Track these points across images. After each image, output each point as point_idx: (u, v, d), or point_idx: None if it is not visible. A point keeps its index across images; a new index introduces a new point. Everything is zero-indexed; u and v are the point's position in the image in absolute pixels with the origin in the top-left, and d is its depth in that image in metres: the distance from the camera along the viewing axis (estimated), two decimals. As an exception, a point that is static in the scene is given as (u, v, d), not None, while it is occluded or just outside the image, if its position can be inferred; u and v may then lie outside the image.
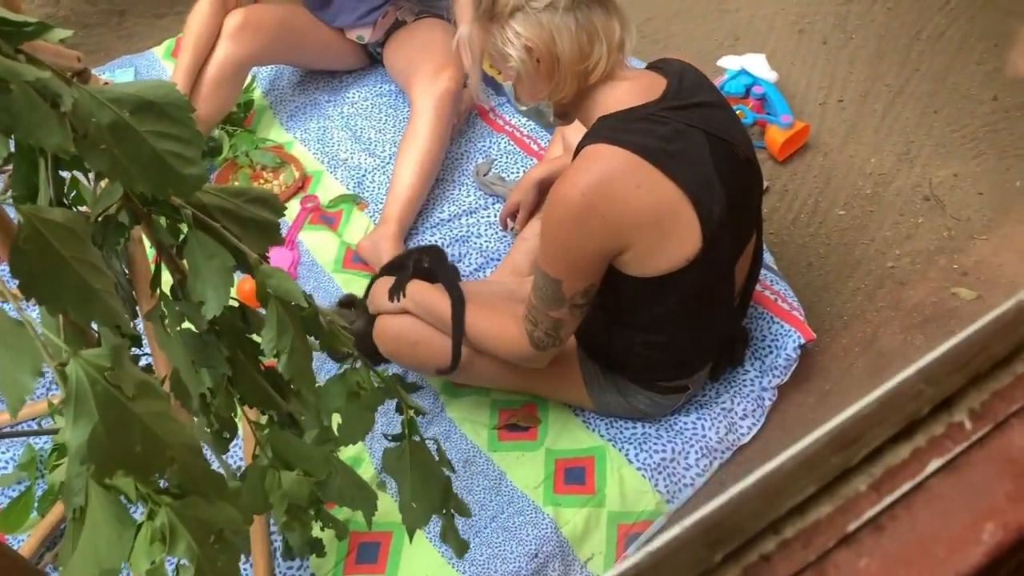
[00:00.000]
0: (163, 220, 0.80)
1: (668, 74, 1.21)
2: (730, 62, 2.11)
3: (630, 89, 1.18)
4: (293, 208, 1.96)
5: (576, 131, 1.69)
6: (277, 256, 1.87)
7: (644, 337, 1.31)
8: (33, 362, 0.50)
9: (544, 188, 1.72)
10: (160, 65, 2.33)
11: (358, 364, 0.87)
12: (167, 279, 0.81)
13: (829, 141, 2.02)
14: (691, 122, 1.16)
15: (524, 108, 1.29)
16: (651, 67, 1.25)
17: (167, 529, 0.52)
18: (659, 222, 1.14)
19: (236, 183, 2.01)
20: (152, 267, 0.87)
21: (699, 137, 1.17)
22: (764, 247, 1.73)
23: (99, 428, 0.46)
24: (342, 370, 0.86)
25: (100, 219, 0.80)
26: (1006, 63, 2.19)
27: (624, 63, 1.21)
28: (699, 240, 1.16)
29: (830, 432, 0.31)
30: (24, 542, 1.38)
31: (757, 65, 2.07)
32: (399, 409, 0.92)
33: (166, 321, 0.80)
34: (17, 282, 0.49)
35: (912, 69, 2.20)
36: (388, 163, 2.00)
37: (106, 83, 1.91)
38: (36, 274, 0.49)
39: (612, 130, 1.15)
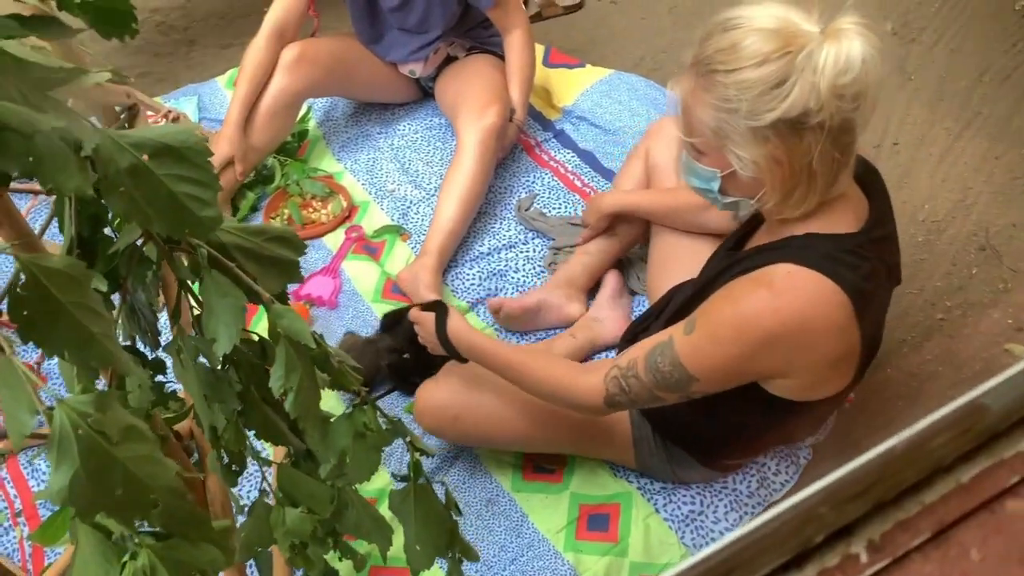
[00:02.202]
0: (184, 257, 0.83)
1: (872, 194, 1.10)
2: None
3: (844, 210, 1.07)
4: (338, 237, 2.00)
5: (665, 151, 1.63)
6: (320, 284, 1.91)
7: (738, 432, 1.26)
8: (29, 403, 0.53)
9: (616, 219, 1.70)
10: (222, 94, 2.42)
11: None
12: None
13: (882, 185, 1.97)
14: (882, 260, 1.08)
15: (722, 202, 1.13)
16: (857, 178, 1.11)
17: (148, 570, 0.53)
18: (833, 366, 1.08)
19: (286, 211, 2.06)
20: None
21: (884, 277, 1.09)
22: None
23: (80, 473, 0.48)
24: (350, 409, 0.87)
25: (128, 253, 0.83)
26: (1075, 109, 2.10)
27: (851, 180, 1.09)
28: (851, 380, 1.12)
29: (707, 560, 0.30)
30: (60, 556, 1.42)
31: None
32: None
33: (182, 355, 0.82)
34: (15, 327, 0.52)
35: (974, 112, 2.13)
36: (433, 195, 2.02)
37: (170, 111, 1.99)
38: (33, 319, 0.51)
39: (827, 258, 1.02)
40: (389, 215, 2.03)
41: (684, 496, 1.41)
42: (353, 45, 2.16)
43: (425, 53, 2.14)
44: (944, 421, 0.30)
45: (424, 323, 1.35)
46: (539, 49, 2.27)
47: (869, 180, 1.11)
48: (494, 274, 1.85)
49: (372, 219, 2.03)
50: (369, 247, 1.96)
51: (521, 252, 1.88)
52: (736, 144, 1.03)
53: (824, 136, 0.99)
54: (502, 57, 2.11)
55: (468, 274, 1.86)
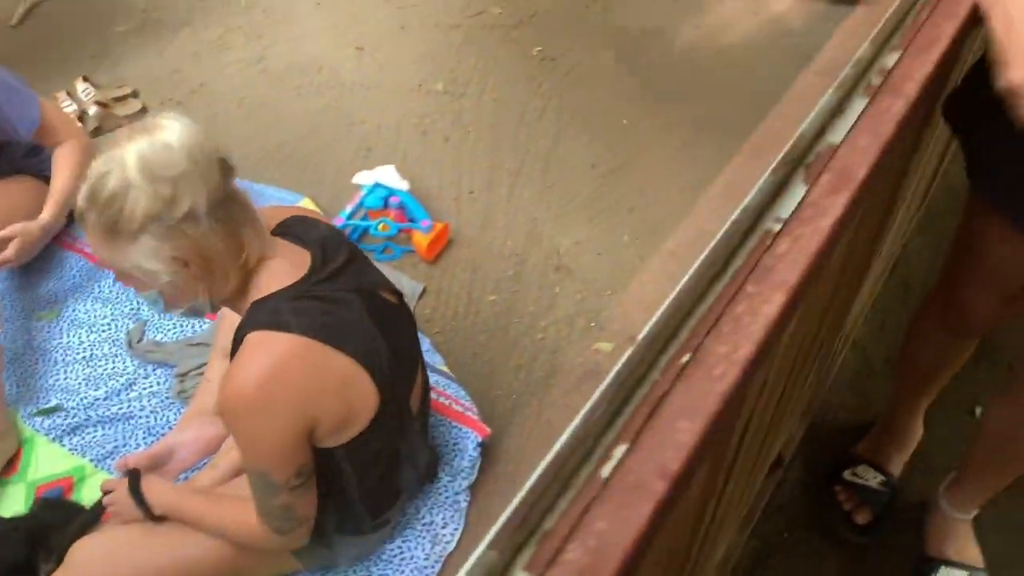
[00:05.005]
0: None
1: (309, 244, 1.24)
2: (364, 177, 2.22)
3: (280, 268, 1.19)
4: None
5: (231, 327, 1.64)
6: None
7: (341, 495, 1.31)
8: None
9: None
10: None
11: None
12: None
13: (469, 233, 2.21)
14: (343, 288, 1.21)
15: (179, 312, 1.23)
16: (287, 234, 1.26)
17: None
18: (340, 394, 1.17)
19: None
20: None
21: (353, 298, 1.21)
22: (433, 348, 1.85)
23: None
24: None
25: None
26: (595, 134, 2.56)
27: (270, 239, 1.22)
28: (377, 398, 1.21)
29: None
30: None
31: (388, 176, 2.21)
32: None
33: None
34: None
35: (524, 151, 2.49)
36: None
37: None
38: None
39: (273, 313, 1.14)
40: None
41: (367, 581, 1.46)
42: None
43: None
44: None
45: (117, 487, 1.36)
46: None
47: (305, 234, 1.25)
48: (118, 419, 1.71)
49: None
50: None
51: (145, 388, 1.77)
52: (137, 265, 1.11)
53: (196, 222, 1.08)
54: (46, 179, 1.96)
55: (86, 428, 1.70)
